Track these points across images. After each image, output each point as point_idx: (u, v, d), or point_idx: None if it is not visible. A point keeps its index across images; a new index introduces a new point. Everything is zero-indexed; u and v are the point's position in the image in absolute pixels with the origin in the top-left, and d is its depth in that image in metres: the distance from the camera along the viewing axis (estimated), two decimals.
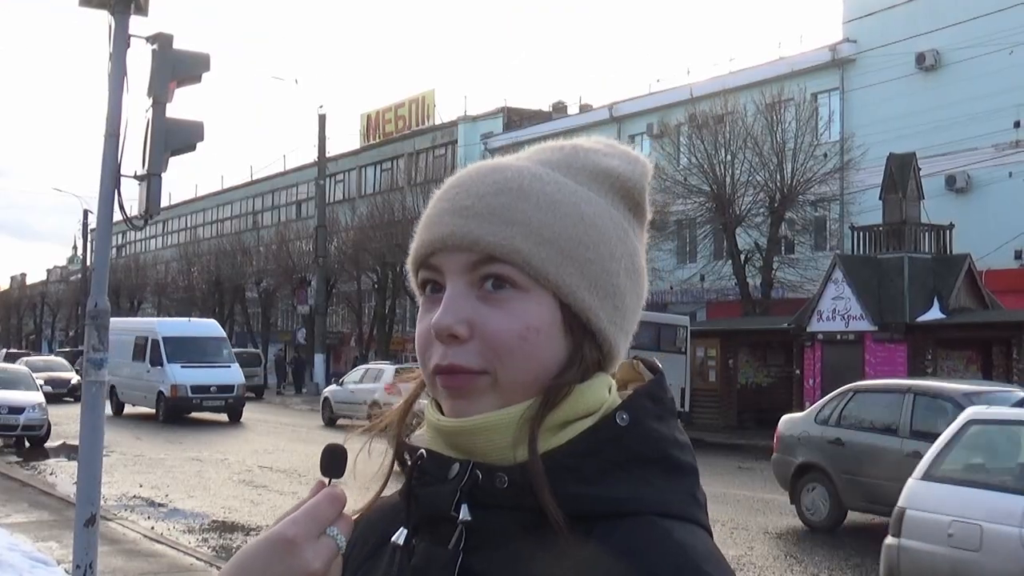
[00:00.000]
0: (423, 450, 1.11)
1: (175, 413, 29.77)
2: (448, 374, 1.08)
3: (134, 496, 15.36)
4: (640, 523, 1.02)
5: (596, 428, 1.06)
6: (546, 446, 1.05)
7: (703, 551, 1.03)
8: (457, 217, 1.09)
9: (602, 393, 1.09)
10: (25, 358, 42.67)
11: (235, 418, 30.32)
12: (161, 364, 30.56)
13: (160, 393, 30.31)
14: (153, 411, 30.68)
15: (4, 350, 57.57)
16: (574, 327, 1.09)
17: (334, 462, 1.10)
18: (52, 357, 49.56)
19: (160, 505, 14.66)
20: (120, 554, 10.61)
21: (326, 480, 1.09)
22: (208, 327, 34.39)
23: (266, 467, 19.00)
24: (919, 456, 10.99)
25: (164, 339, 31.15)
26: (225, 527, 12.90)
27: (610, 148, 1.19)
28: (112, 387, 30.85)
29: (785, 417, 14.33)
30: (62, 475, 17.82)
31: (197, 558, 10.65)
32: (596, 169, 1.15)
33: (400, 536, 1.11)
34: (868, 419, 13.01)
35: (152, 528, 12.59)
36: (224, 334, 34.63)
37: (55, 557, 10.12)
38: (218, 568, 10.13)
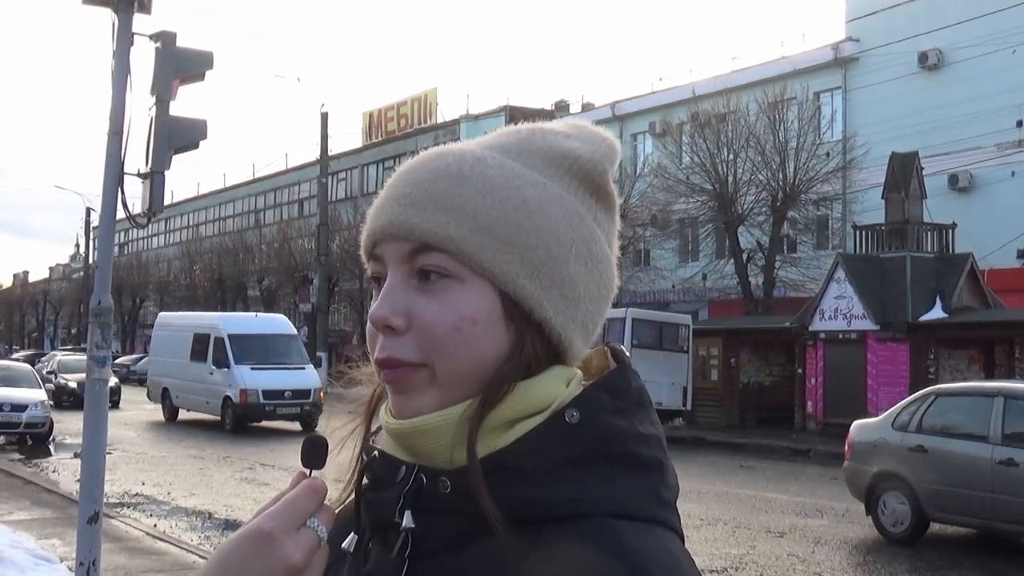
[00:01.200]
0: (376, 451, 1.08)
1: (244, 421, 26.32)
2: (387, 366, 1.05)
3: (137, 494, 15.37)
4: (591, 525, 0.97)
5: (543, 426, 1.01)
6: (492, 447, 1.00)
7: (658, 554, 0.97)
8: (396, 205, 1.06)
9: (553, 388, 1.04)
10: (57, 356, 42.19)
11: (310, 428, 25.41)
12: (228, 365, 26.77)
13: (227, 399, 26.48)
14: (216, 418, 27.04)
15: (22, 350, 57.39)
16: (516, 317, 1.04)
17: (314, 453, 1.07)
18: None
19: (163, 503, 14.67)
20: (123, 552, 10.62)
21: (307, 472, 1.06)
22: (278, 323, 29.89)
23: (268, 465, 19.01)
24: (1014, 464, 10.84)
25: (230, 336, 27.26)
26: (228, 525, 12.91)
27: (574, 129, 1.13)
28: (165, 389, 29.78)
29: (857, 423, 13.46)
30: (64, 472, 17.84)
31: (200, 556, 10.66)
32: (551, 152, 1.09)
33: (351, 543, 1.07)
34: (953, 424, 12.08)
35: (155, 526, 12.61)
36: (295, 331, 30.41)
37: (58, 555, 10.13)
38: None
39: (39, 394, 22.72)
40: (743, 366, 29.01)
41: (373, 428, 1.14)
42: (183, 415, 29.25)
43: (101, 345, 7.69)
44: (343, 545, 1.07)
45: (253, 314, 32.72)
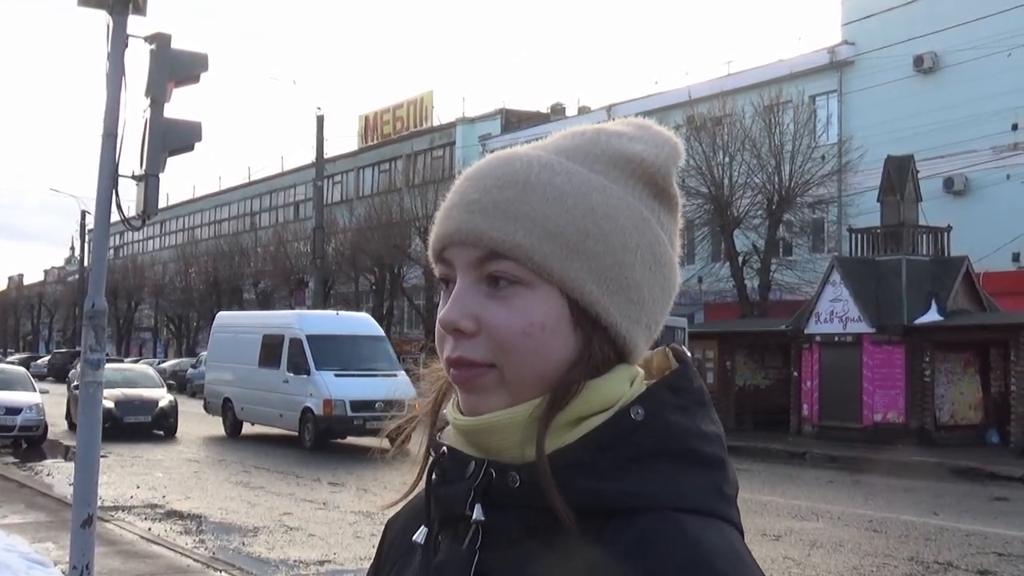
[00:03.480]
0: (445, 447, 1.11)
1: (328, 437, 22.51)
2: (457, 366, 1.08)
3: (131, 497, 15.34)
4: (655, 518, 1.00)
5: (610, 423, 1.04)
6: (558, 443, 1.03)
7: (719, 546, 1.00)
8: (464, 212, 1.08)
9: (620, 387, 1.07)
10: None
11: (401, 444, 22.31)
12: (307, 372, 23.04)
13: (307, 411, 22.73)
14: (294, 433, 23.25)
15: (16, 353, 57.25)
16: (583, 322, 1.07)
17: None
18: (135, 365, 34.36)
19: (157, 506, 14.63)
20: (117, 555, 10.59)
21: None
22: (363, 323, 25.55)
23: (263, 468, 18.98)
24: None
25: (309, 338, 23.43)
26: (222, 528, 12.88)
27: (638, 130, 1.15)
28: (227, 400, 25.97)
29: None
30: (59, 476, 17.80)
31: (194, 559, 10.64)
32: (616, 155, 1.11)
33: (420, 535, 1.11)
34: None
35: (149, 529, 12.57)
36: (382, 332, 26.05)
37: (52, 558, 10.10)
38: (215, 570, 10.13)
39: (34, 397, 22.67)
40: (739, 369, 29.00)
41: (438, 425, 1.18)
42: (247, 429, 25.58)
43: (96, 348, 7.67)
44: (414, 538, 1.11)
45: (334, 312, 27.56)
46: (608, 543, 0.99)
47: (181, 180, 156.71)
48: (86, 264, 57.09)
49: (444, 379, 1.17)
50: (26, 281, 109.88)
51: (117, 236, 70.93)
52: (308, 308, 48.77)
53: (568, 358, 1.06)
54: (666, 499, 1.02)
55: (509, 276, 1.06)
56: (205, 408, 27.52)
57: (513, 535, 1.04)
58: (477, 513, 1.05)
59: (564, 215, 1.06)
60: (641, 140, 1.13)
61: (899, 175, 24.86)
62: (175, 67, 7.67)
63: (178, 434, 25.39)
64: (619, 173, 1.11)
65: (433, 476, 1.12)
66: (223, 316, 30.08)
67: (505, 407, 1.07)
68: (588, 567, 0.98)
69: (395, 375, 22.40)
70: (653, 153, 1.12)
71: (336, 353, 23.14)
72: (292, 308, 53.86)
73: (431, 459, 1.13)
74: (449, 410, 1.14)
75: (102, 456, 8.27)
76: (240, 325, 27.06)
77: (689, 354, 1.15)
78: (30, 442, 22.32)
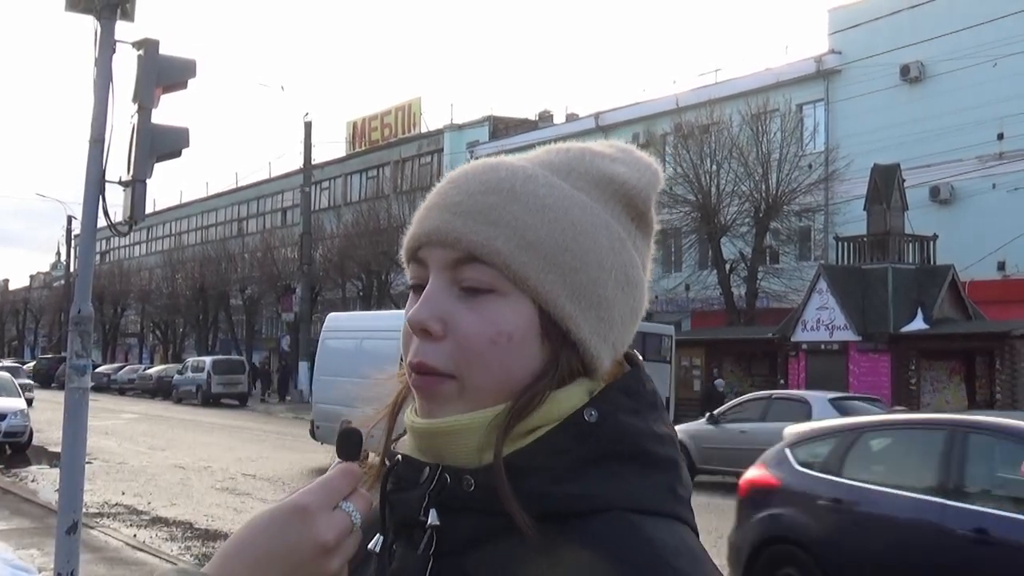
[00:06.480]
0: (399, 455, 1.10)
1: None
2: (419, 371, 1.06)
3: (116, 504, 15.27)
4: (610, 520, 1.00)
5: (564, 426, 1.04)
6: (514, 447, 1.03)
7: (675, 545, 1.00)
8: (445, 213, 1.08)
9: (578, 400, 1.06)
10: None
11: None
12: None
13: None
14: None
15: (3, 359, 57.06)
16: (552, 336, 1.06)
17: (349, 444, 1.07)
18: None
19: (143, 513, 14.57)
20: (102, 562, 10.55)
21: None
22: None
23: (250, 475, 18.93)
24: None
25: None
26: (208, 535, 12.83)
27: (621, 153, 1.16)
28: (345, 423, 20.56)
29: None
30: (44, 482, 17.71)
31: None
32: (599, 175, 1.12)
33: (376, 544, 1.09)
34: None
35: (134, 536, 12.52)
36: None
37: (36, 565, 10.05)
38: None
39: (19, 403, 22.55)
40: (725, 376, 29.06)
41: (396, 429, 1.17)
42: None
43: (81, 354, 7.65)
44: (369, 546, 1.09)
45: None
46: (564, 545, 0.99)
47: (168, 186, 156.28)
48: (72, 269, 57.00)
49: (404, 385, 1.16)
50: (11, 286, 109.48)
51: (103, 241, 70.82)
52: (296, 314, 48.82)
53: (531, 370, 1.05)
54: (621, 500, 1.01)
55: (483, 282, 1.05)
56: (313, 435, 21.08)
57: (468, 540, 1.03)
58: (432, 518, 1.04)
59: (545, 227, 1.06)
60: (624, 163, 1.14)
61: (885, 184, 24.98)
62: (163, 73, 7.66)
63: (165, 440, 25.29)
64: (600, 193, 1.11)
65: (388, 484, 1.11)
66: (338, 318, 24.08)
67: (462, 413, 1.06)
68: (544, 570, 0.98)
69: None
70: (635, 177, 1.13)
71: None
72: (279, 315, 53.85)
73: (386, 467, 1.12)
74: (407, 414, 1.13)
75: (87, 462, 8.23)
76: (364, 328, 21.10)
77: (640, 357, 1.15)
78: (15, 448, 22.20)
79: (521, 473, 1.01)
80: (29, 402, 35.44)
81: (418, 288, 1.10)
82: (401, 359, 1.14)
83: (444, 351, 1.05)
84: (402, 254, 1.13)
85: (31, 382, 40.26)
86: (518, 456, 1.02)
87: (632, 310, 1.12)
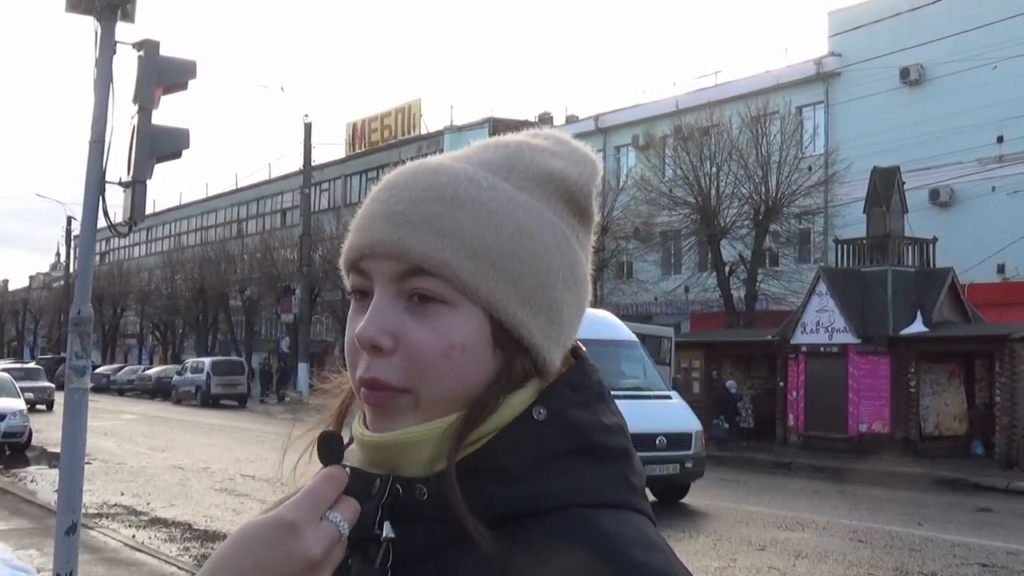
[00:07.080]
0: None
1: None
2: (371, 387, 1.04)
3: (115, 504, 15.27)
4: (567, 516, 0.99)
5: (513, 425, 1.02)
6: (464, 452, 1.01)
7: (633, 536, 0.99)
8: (387, 223, 1.05)
9: (531, 399, 1.05)
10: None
11: (678, 497, 15.80)
12: None
13: None
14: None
15: (2, 360, 56.95)
16: (504, 343, 1.04)
17: (330, 449, 1.05)
18: None
19: (142, 513, 14.57)
20: (101, 563, 10.55)
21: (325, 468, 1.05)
22: (608, 325, 17.41)
23: (248, 476, 18.93)
24: None
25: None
26: (207, 536, 12.83)
27: (559, 146, 1.14)
28: None
29: None
30: (43, 482, 17.72)
31: (178, 567, 10.60)
32: (539, 172, 1.09)
33: None
34: None
35: (133, 536, 12.52)
36: (634, 335, 18.05)
37: (35, 565, 10.05)
38: None
39: (18, 403, 22.57)
40: (725, 379, 29.04)
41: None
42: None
43: (81, 354, 7.65)
44: None
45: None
46: (520, 546, 0.98)
47: (168, 186, 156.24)
48: (72, 270, 56.98)
49: (347, 394, 1.13)
50: (11, 287, 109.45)
51: (103, 242, 70.81)
52: (295, 315, 48.82)
53: (484, 377, 1.04)
54: (575, 496, 1.00)
55: (431, 293, 1.02)
56: None
57: (425, 549, 1.02)
58: (386, 531, 1.02)
59: (492, 234, 1.03)
60: (562, 156, 1.12)
61: (885, 186, 24.96)
62: (163, 74, 7.67)
63: (164, 441, 25.29)
64: (542, 191, 1.09)
65: None
66: None
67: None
68: (505, 569, 0.97)
69: (668, 397, 16.78)
70: (576, 171, 1.11)
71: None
72: (279, 315, 53.78)
73: None
74: (355, 425, 1.10)
75: (86, 463, 8.24)
76: None
77: (584, 348, 1.13)
78: (14, 448, 22.21)
79: (474, 476, 1.00)
80: (49, 406, 35.25)
81: (360, 295, 1.08)
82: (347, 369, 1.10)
83: (396, 366, 1.03)
84: (340, 263, 1.10)
85: (50, 385, 38.02)
86: (469, 460, 1.01)
87: (579, 307, 1.10)
